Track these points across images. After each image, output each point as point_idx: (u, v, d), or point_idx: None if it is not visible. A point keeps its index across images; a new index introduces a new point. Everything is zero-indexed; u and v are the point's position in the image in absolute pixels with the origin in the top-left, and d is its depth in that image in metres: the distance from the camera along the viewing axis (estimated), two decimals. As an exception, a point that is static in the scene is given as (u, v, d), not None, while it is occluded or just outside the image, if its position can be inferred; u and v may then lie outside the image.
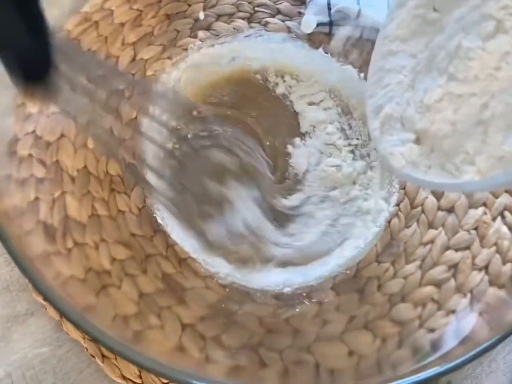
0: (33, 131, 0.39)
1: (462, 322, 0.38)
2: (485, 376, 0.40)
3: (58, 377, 0.39)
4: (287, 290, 0.40)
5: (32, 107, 0.39)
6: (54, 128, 0.40)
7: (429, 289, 0.40)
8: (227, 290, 0.39)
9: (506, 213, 0.41)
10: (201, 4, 0.47)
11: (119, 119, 0.42)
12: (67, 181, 0.39)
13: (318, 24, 0.47)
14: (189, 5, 0.47)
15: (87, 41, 0.43)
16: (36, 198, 0.37)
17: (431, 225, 0.42)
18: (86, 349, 0.38)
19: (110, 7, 0.45)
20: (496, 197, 0.41)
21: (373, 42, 0.43)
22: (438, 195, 0.43)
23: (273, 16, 0.48)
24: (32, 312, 0.41)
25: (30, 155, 0.38)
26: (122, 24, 0.45)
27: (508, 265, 0.40)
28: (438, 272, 0.40)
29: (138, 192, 0.41)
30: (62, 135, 0.40)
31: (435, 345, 0.36)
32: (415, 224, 0.42)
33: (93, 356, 0.38)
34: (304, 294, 0.40)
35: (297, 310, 0.40)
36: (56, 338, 0.40)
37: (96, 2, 0.44)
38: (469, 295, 0.39)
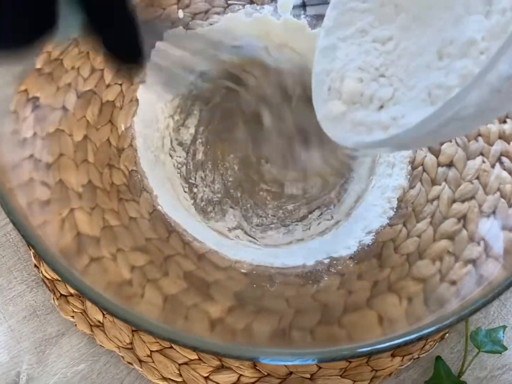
0: (31, 155, 0.36)
1: (480, 270, 0.37)
2: (511, 315, 0.38)
3: (99, 390, 0.37)
4: (309, 263, 0.38)
5: (26, 132, 0.37)
6: (52, 149, 0.37)
7: (443, 243, 0.38)
8: (250, 277, 0.37)
9: (504, 159, 0.39)
10: (175, 6, 0.44)
11: (115, 130, 0.39)
12: (74, 198, 0.36)
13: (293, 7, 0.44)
14: (163, 9, 0.44)
15: (69, 60, 0.40)
16: (44, 222, 0.34)
17: (434, 182, 0.40)
18: (123, 357, 0.36)
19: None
20: (491, 144, 0.39)
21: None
22: (436, 153, 0.40)
23: (246, 5, 0.45)
24: (63, 332, 0.38)
25: (31, 180, 0.36)
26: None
27: (517, 208, 0.39)
28: (449, 225, 0.38)
29: (146, 196, 0.38)
30: (61, 154, 0.37)
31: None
32: (419, 183, 0.40)
33: (130, 363, 0.36)
34: (325, 268, 0.37)
35: (321, 284, 0.37)
36: (91, 353, 0.37)
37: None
38: (482, 242, 0.38)
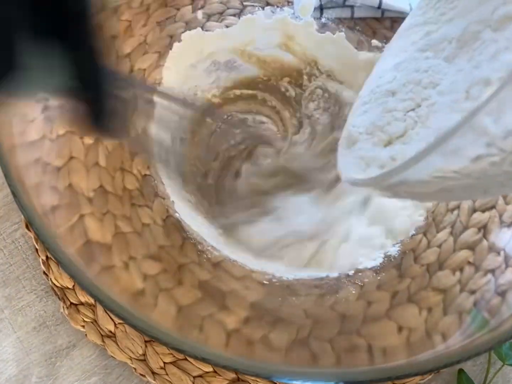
0: (39, 159, 0.34)
1: (500, 279, 0.36)
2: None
3: (112, 404, 0.34)
4: (332, 275, 0.35)
5: (34, 134, 0.34)
6: (62, 151, 0.35)
7: (463, 253, 0.36)
8: (267, 287, 0.35)
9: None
10: (190, 7, 0.42)
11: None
12: (84, 203, 0.34)
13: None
14: (177, 9, 0.41)
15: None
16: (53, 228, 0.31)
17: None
18: (135, 369, 0.33)
19: (98, 22, 0.39)
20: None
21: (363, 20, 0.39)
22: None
23: (263, 8, 0.43)
24: (74, 344, 0.35)
25: (39, 184, 0.33)
26: (114, 37, 0.39)
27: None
28: (469, 235, 0.36)
29: (160, 202, 0.36)
30: (72, 157, 0.35)
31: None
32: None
33: (143, 375, 0.33)
34: (348, 279, 0.35)
35: (339, 295, 0.35)
36: (104, 365, 0.34)
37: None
38: (502, 252, 0.37)
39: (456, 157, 0.21)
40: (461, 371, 0.34)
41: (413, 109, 0.26)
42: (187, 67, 0.42)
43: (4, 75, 0.20)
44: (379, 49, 0.42)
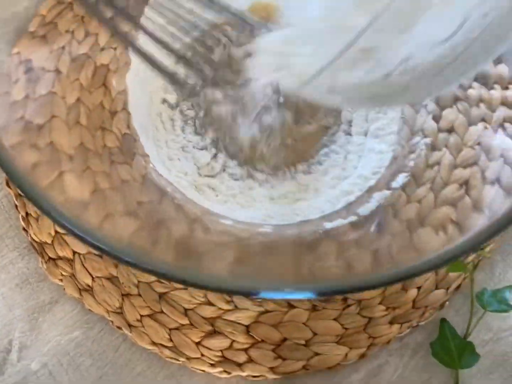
0: (22, 117, 0.34)
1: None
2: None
3: (95, 357, 0.34)
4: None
5: (17, 95, 0.34)
6: (44, 111, 0.35)
7: (445, 210, 0.35)
8: (247, 237, 0.34)
9: (507, 125, 0.36)
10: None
11: (108, 93, 0.37)
12: (65, 161, 0.34)
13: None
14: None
15: (64, 23, 0.37)
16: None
17: (434, 148, 0.37)
18: (112, 322, 0.33)
19: None
20: (493, 111, 0.37)
21: None
22: (436, 118, 0.38)
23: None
24: (56, 300, 0.35)
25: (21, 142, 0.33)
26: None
27: (516, 179, 0.36)
28: (451, 191, 0.35)
29: (139, 159, 0.36)
30: (53, 116, 0.35)
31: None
32: (418, 149, 0.37)
33: (119, 328, 0.33)
34: (321, 232, 0.35)
35: (317, 253, 0.35)
36: (86, 320, 0.35)
37: (66, -17, 0.39)
38: (486, 210, 0.36)
39: None
40: (443, 320, 0.34)
41: None
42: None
43: None
44: None
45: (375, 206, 0.34)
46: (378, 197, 0.35)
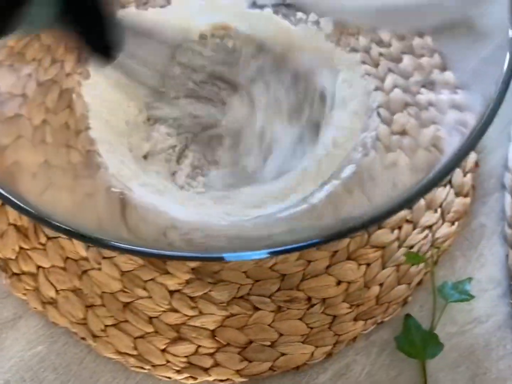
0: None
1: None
2: (477, 271, 0.35)
3: (59, 371, 0.33)
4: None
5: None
6: (10, 131, 0.36)
7: (401, 212, 0.36)
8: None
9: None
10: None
11: (73, 114, 0.38)
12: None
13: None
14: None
15: (31, 53, 0.39)
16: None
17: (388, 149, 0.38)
18: (76, 333, 0.33)
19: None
20: (444, 113, 0.38)
21: None
22: (387, 122, 0.39)
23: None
24: (20, 315, 0.35)
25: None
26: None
27: (468, 175, 0.38)
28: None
29: (102, 173, 0.36)
30: (19, 136, 0.36)
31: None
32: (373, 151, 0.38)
33: (84, 339, 0.33)
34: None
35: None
36: (49, 334, 0.34)
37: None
38: (439, 209, 0.37)
39: None
40: (408, 316, 0.34)
41: None
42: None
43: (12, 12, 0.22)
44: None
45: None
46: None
